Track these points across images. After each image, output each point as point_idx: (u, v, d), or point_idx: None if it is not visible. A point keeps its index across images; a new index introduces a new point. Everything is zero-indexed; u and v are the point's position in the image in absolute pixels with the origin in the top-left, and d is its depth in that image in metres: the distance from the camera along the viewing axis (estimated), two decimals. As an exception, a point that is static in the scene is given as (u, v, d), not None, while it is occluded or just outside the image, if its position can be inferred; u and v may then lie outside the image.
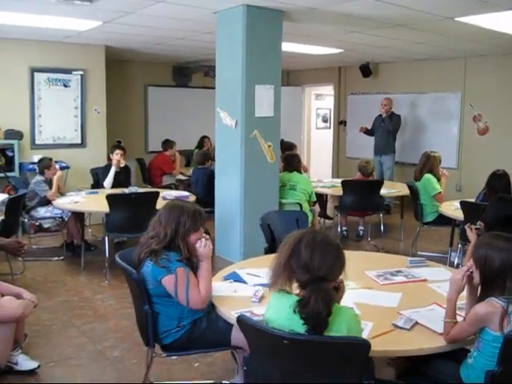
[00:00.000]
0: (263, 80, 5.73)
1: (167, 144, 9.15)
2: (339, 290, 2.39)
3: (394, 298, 3.06)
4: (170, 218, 2.94)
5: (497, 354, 2.26)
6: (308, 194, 6.35)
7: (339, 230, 7.49)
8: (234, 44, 5.68)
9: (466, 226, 3.64)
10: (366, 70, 10.48)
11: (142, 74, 10.50)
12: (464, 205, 5.45)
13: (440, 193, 6.44)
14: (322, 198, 7.82)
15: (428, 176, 6.56)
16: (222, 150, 6.03)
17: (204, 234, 3.02)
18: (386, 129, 9.35)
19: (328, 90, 12.50)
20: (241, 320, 2.29)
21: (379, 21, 6.17)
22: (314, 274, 2.14)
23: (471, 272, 2.50)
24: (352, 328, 2.16)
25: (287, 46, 8.12)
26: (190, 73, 11.07)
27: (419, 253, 6.36)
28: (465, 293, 2.57)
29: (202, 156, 7.46)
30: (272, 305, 2.30)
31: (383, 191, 7.09)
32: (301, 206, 6.03)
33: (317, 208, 7.63)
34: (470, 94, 9.34)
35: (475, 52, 8.69)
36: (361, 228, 7.65)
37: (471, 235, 3.62)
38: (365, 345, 2.06)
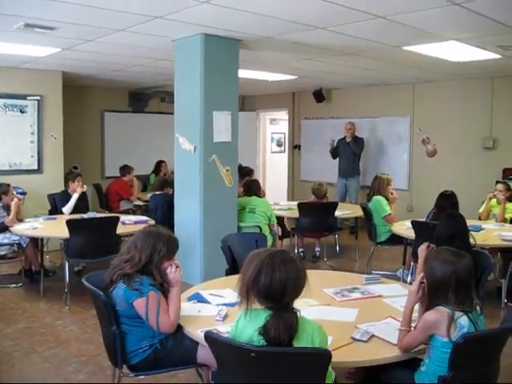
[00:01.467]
0: (221, 106, 5.89)
1: (125, 169, 9.19)
2: None
3: (351, 313, 3.21)
4: (145, 243, 3.02)
5: (446, 360, 2.43)
6: (267, 216, 6.45)
7: (296, 251, 7.66)
8: (192, 71, 5.84)
9: (424, 246, 3.82)
10: (319, 96, 10.79)
11: (98, 100, 10.56)
12: (415, 224, 5.70)
13: (390, 214, 6.69)
14: (279, 221, 7.98)
15: (378, 198, 6.81)
16: (181, 175, 6.14)
17: (175, 261, 3.12)
18: (352, 152, 9.62)
19: (282, 115, 12.78)
20: (209, 336, 2.38)
21: (331, 49, 6.44)
22: (276, 301, 2.22)
23: (423, 283, 2.68)
24: (316, 341, 2.26)
25: (243, 73, 8.33)
26: (146, 98, 11.17)
27: (374, 271, 6.54)
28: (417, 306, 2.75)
29: (161, 182, 7.54)
30: (240, 324, 2.37)
31: (338, 213, 7.31)
32: (260, 228, 6.15)
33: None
34: (418, 117, 9.75)
35: (422, 78, 9.09)
36: (317, 249, 7.83)
37: (422, 252, 3.81)
38: (327, 354, 2.17)
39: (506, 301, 5.76)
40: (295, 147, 11.98)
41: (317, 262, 7.67)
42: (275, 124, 13.73)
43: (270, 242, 6.30)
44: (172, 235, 3.19)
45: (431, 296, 2.61)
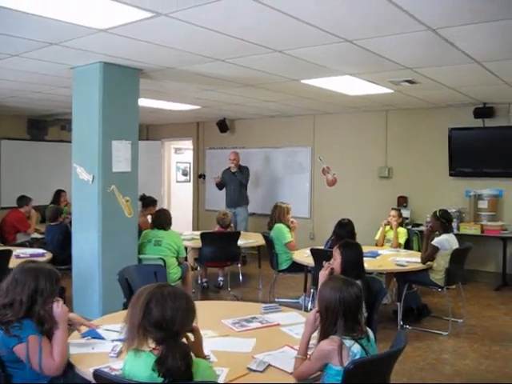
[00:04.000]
0: (120, 135, 5.79)
1: (22, 200, 8.79)
2: (196, 336, 2.48)
3: (248, 343, 3.20)
4: (26, 284, 2.78)
5: (339, 387, 2.47)
6: (175, 249, 6.25)
7: (199, 281, 7.60)
8: (90, 100, 5.72)
9: (324, 271, 3.92)
10: (222, 126, 10.91)
11: (-7, 127, 10.11)
12: (314, 252, 5.83)
13: (291, 241, 6.82)
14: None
15: (279, 226, 6.93)
16: (79, 206, 5.95)
17: (57, 298, 2.89)
18: (238, 181, 9.61)
19: (187, 144, 12.78)
20: (97, 375, 2.29)
21: (232, 81, 6.54)
22: (169, 331, 2.18)
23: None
24: (206, 375, 2.23)
25: (146, 102, 8.31)
26: (46, 126, 10.82)
27: (276, 299, 6.64)
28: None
29: (54, 211, 7.24)
30: (129, 364, 2.28)
31: (240, 242, 7.35)
32: (164, 261, 6.00)
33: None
34: (319, 148, 10.06)
35: (322, 110, 9.42)
36: (220, 279, 7.81)
37: (322, 275, 3.90)
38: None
39: (401, 323, 5.97)
40: (200, 176, 11.99)
41: (220, 292, 7.64)
42: (180, 153, 13.69)
43: (177, 276, 6.22)
44: (52, 269, 2.94)
45: (323, 323, 2.65)
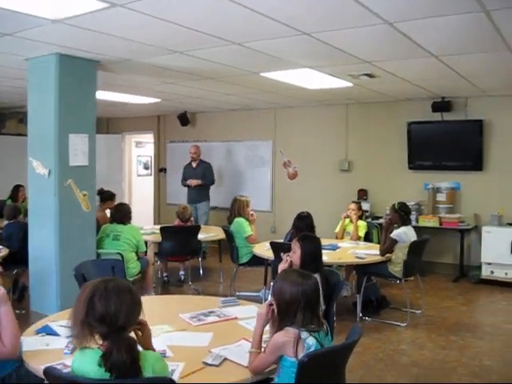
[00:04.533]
0: (77, 129, 5.68)
1: (-22, 195, 8.58)
2: (144, 329, 2.45)
3: (205, 337, 3.18)
4: None
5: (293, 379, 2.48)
6: (134, 244, 6.20)
7: (160, 275, 7.54)
8: (45, 92, 5.60)
9: (283, 264, 3.93)
10: (183, 119, 10.84)
11: None
12: (273, 245, 5.84)
13: (251, 235, 6.83)
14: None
15: (239, 220, 6.93)
16: (35, 200, 5.83)
17: None
18: (199, 178, 9.51)
19: (148, 138, 12.65)
20: (47, 372, 2.24)
21: (191, 73, 6.50)
22: (113, 325, 2.15)
23: (272, 305, 2.72)
24: (157, 370, 2.20)
25: (105, 95, 8.19)
26: (3, 119, 10.57)
27: (237, 293, 6.63)
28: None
29: (12, 210, 7.05)
30: (77, 361, 2.23)
31: (201, 236, 7.32)
32: (122, 256, 5.93)
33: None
34: (280, 141, 10.08)
35: (283, 103, 9.43)
36: (181, 273, 7.75)
37: (281, 268, 3.90)
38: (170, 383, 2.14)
39: (361, 315, 6.04)
40: (161, 170, 11.89)
41: (182, 286, 7.60)
42: (141, 147, 13.54)
43: (136, 270, 6.15)
44: None
45: (281, 317, 2.65)
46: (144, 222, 10.14)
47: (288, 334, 2.55)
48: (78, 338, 2.21)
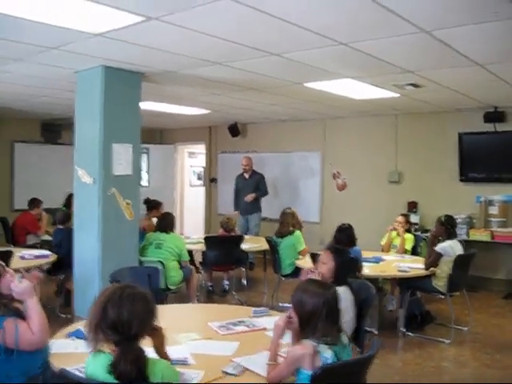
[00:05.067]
0: (121, 139, 5.82)
1: (33, 203, 8.90)
2: (159, 336, 2.48)
3: (230, 346, 3.19)
4: None
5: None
6: (176, 252, 6.25)
7: (204, 284, 7.60)
8: (92, 103, 5.78)
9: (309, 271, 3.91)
10: (234, 130, 10.93)
11: (8, 130, 10.30)
12: (313, 256, 5.79)
13: (306, 248, 6.84)
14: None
15: (299, 233, 6.97)
16: (80, 208, 6.01)
17: (9, 271, 2.87)
18: (252, 189, 9.54)
19: (201, 149, 12.83)
20: (61, 374, 2.31)
21: (233, 84, 6.57)
22: (125, 333, 2.18)
23: (291, 317, 2.71)
24: (166, 377, 2.22)
25: (155, 106, 8.39)
26: (59, 129, 10.95)
27: (280, 304, 6.60)
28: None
29: (64, 216, 7.29)
30: (90, 365, 2.28)
31: (246, 246, 7.34)
32: (163, 264, 6.00)
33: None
34: (329, 152, 10.03)
35: (332, 114, 9.38)
36: (226, 282, 7.80)
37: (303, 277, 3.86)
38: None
39: (404, 330, 5.91)
40: (212, 180, 12.02)
41: (225, 295, 7.64)
42: (194, 157, 13.76)
43: (177, 279, 6.22)
44: None
45: (303, 329, 2.63)
46: (195, 232, 10.27)
47: (305, 346, 2.53)
48: (91, 342, 2.25)
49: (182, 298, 6.73)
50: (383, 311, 6.87)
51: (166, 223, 6.40)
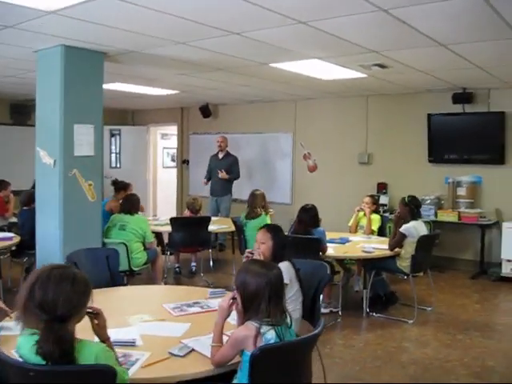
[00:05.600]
0: (83, 119, 5.72)
1: (1, 185, 8.75)
2: (99, 319, 2.45)
3: (181, 328, 3.19)
4: None
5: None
6: (140, 234, 6.25)
7: (170, 266, 7.59)
8: (52, 83, 5.66)
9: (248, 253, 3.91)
10: (205, 111, 10.86)
11: (-25, 112, 10.11)
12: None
13: None
14: (159, 236, 7.85)
15: (266, 216, 6.99)
16: (41, 190, 5.92)
17: None
18: (224, 169, 9.50)
19: (174, 130, 12.73)
20: (-5, 357, 2.28)
21: (200, 64, 6.49)
22: (51, 314, 2.14)
23: (235, 298, 2.70)
24: (100, 360, 2.18)
25: (123, 87, 8.29)
26: (29, 111, 10.74)
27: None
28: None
29: (28, 196, 7.18)
30: (21, 347, 2.25)
31: (214, 227, 7.33)
32: (126, 246, 5.98)
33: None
34: (300, 133, 10.02)
35: (303, 95, 9.35)
36: (193, 264, 7.80)
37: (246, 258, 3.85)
38: (108, 371, 2.13)
39: (368, 310, 5.96)
40: (184, 162, 11.95)
41: (193, 277, 7.63)
42: (167, 139, 13.66)
43: (141, 261, 6.21)
44: None
45: (246, 310, 2.62)
46: (169, 213, 10.22)
47: (248, 328, 2.52)
48: (21, 322, 2.23)
49: (149, 279, 6.72)
50: (350, 292, 6.93)
51: (130, 204, 6.36)
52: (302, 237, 5.66)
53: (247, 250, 3.96)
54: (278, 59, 6.10)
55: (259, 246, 3.84)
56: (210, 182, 9.80)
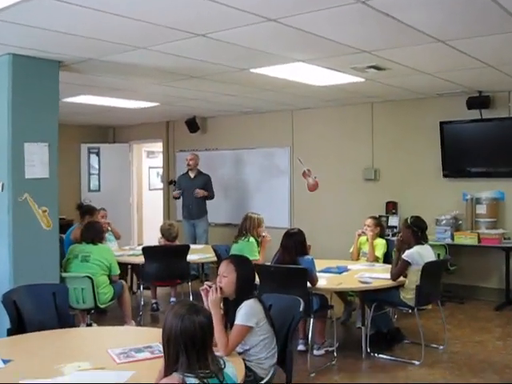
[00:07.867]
0: (35, 137, 5.65)
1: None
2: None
3: (122, 376, 3.09)
4: None
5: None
6: (106, 266, 6.20)
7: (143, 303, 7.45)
8: (-1, 96, 5.63)
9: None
10: (192, 125, 10.81)
11: None
12: (258, 268, 5.64)
13: (257, 260, 6.58)
14: (135, 268, 7.75)
15: (251, 240, 6.83)
16: (-11, 217, 5.85)
17: None
18: (196, 189, 9.49)
19: (160, 147, 12.68)
20: None
21: (169, 72, 6.46)
22: None
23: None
24: None
25: (93, 100, 8.26)
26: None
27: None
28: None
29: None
30: None
31: (195, 257, 7.21)
32: (92, 280, 5.92)
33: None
34: (298, 148, 9.95)
35: (298, 105, 9.30)
36: (172, 300, 7.67)
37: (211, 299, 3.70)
38: None
39: (368, 350, 5.79)
40: (170, 183, 11.81)
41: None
42: (153, 157, 13.62)
43: (108, 296, 6.16)
44: None
45: (166, 358, 2.52)
46: (155, 242, 10.11)
47: (172, 380, 2.41)
48: None
49: (122, 317, 6.60)
50: (351, 329, 6.77)
51: (93, 233, 6.30)
52: (285, 267, 5.51)
53: (206, 283, 3.82)
54: (256, 64, 6.04)
55: (220, 279, 3.71)
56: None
